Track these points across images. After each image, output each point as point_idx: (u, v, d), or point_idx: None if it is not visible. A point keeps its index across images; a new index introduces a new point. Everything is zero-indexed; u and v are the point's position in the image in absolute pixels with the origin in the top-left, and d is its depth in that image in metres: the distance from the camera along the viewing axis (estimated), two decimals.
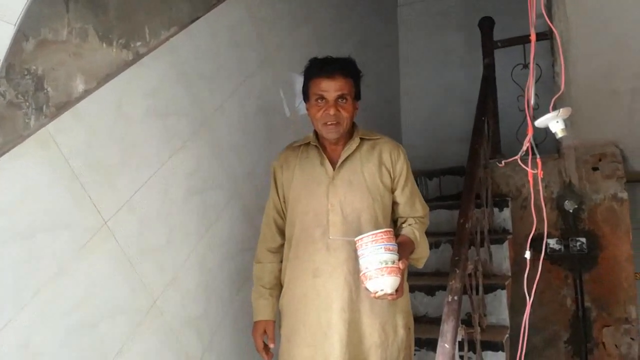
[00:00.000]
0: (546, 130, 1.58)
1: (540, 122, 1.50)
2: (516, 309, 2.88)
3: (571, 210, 3.24)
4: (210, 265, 2.00)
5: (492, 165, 3.30)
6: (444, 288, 2.63)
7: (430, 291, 2.84)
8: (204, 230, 1.99)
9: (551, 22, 2.82)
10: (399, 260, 1.54)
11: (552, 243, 3.27)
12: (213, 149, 2.09)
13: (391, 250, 1.54)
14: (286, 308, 1.80)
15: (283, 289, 1.83)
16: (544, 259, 3.37)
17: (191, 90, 1.99)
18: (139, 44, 1.76)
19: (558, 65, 2.83)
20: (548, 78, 3.22)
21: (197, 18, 2.05)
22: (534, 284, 1.62)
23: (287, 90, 2.66)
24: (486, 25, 3.57)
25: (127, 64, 1.71)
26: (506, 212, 3.23)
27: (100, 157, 1.57)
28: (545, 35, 3.22)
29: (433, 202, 3.57)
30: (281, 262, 1.87)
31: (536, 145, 1.63)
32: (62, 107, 1.46)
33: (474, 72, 4.10)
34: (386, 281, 1.51)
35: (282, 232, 1.88)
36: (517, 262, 3.12)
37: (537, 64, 3.67)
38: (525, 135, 1.60)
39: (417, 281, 2.80)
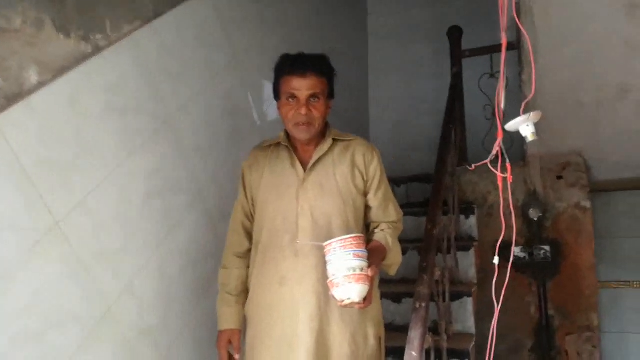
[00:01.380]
0: (512, 138, 1.57)
1: (510, 126, 1.49)
2: (481, 316, 2.87)
3: (536, 219, 3.27)
4: (170, 272, 1.91)
5: (459, 173, 3.31)
6: (410, 295, 2.60)
7: (396, 298, 2.81)
8: (163, 235, 1.90)
9: (520, 30, 2.86)
10: (368, 267, 1.50)
11: (517, 251, 3.29)
12: (175, 150, 2.00)
13: (360, 257, 1.49)
14: (251, 317, 1.73)
15: (249, 296, 1.76)
16: (507, 267, 3.40)
17: (154, 87, 1.91)
18: (99, 36, 1.68)
19: (526, 74, 2.86)
20: (515, 88, 3.26)
21: (162, 14, 1.98)
22: (501, 291, 1.60)
23: (255, 94, 2.60)
24: (455, 34, 3.60)
25: (86, 57, 1.62)
26: (472, 220, 3.24)
27: (53, 154, 1.47)
28: (512, 46, 3.27)
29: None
30: (248, 267, 1.80)
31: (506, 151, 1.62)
32: (13, 99, 1.37)
33: (441, 84, 4.15)
34: (354, 289, 1.45)
35: (250, 236, 1.81)
36: (483, 269, 3.12)
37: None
38: (494, 141, 1.59)
39: (384, 288, 2.75)
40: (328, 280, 1.50)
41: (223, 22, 2.39)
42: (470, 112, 3.65)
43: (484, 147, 3.38)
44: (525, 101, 1.52)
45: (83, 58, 1.61)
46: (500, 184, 1.64)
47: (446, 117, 3.02)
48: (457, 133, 3.30)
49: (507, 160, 1.59)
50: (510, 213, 1.63)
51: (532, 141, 1.45)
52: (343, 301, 1.47)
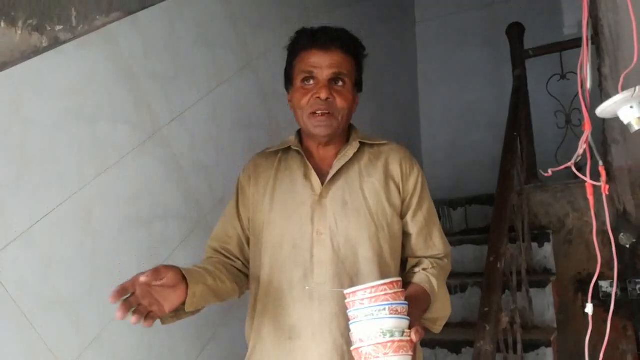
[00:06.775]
0: (589, 151, 1.13)
1: (605, 109, 1.01)
2: None
3: (628, 246, 2.66)
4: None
5: (528, 192, 2.77)
6: (472, 344, 2.09)
7: (455, 348, 2.29)
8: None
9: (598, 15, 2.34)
10: (410, 327, 1.04)
11: (605, 286, 2.68)
12: (168, 168, 1.64)
13: (399, 314, 1.03)
14: None
15: (247, 356, 1.33)
16: (597, 305, 2.81)
17: (137, 92, 1.56)
18: (59, 28, 1.35)
19: (606, 67, 2.33)
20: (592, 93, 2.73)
21: (152, 4, 1.65)
22: (593, 342, 1.17)
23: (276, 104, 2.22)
24: (515, 31, 3.11)
25: (38, 52, 1.30)
26: (547, 248, 2.67)
27: None
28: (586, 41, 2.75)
29: (458, 236, 3.05)
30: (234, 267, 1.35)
31: (579, 168, 1.16)
32: None
33: (501, 91, 3.73)
34: None
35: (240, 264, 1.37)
36: (562, 309, 2.55)
37: (575, 74, 3.15)
38: (570, 152, 1.16)
39: (439, 334, 2.26)
40: (352, 348, 1.05)
41: (233, 18, 2.04)
42: (538, 122, 3.14)
43: (557, 161, 2.84)
44: (627, 71, 1.04)
45: (34, 52, 1.28)
46: (590, 196, 1.15)
47: (509, 124, 2.53)
48: (523, 145, 2.79)
49: (600, 162, 1.12)
50: (612, 235, 1.15)
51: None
52: None
